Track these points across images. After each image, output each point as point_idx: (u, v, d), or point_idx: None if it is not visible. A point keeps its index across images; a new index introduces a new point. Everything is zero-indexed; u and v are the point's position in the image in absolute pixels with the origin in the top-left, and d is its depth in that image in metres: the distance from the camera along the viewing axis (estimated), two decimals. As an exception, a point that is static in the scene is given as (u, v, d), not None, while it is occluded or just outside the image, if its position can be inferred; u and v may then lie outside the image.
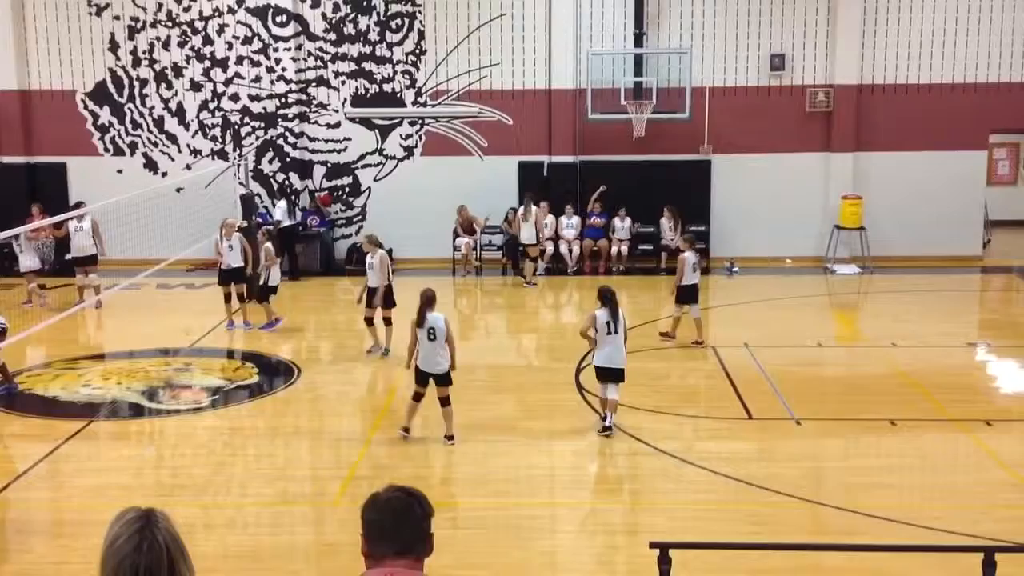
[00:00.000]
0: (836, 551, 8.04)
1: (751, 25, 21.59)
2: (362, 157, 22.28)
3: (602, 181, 21.43)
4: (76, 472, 10.61)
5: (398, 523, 3.43)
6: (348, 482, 9.99)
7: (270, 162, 22.06)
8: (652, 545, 6.50)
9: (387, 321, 14.66)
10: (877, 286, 20.35)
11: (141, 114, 22.17)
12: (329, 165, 22.30)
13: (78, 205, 18.26)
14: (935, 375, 13.71)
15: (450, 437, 11.01)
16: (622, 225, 21.25)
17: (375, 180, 22.33)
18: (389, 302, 14.61)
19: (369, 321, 14.76)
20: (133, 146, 22.27)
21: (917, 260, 21.47)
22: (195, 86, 22.02)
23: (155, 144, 22.25)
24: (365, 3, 21.73)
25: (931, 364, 14.31)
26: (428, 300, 11.02)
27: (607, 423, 11.26)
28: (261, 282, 16.41)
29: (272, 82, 21.85)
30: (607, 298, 11.37)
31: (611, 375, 11.34)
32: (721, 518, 9.28)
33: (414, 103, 22.05)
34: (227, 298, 17.01)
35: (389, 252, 14.19)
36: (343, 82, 22.01)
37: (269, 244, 16.64)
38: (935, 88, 21.59)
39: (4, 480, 10.23)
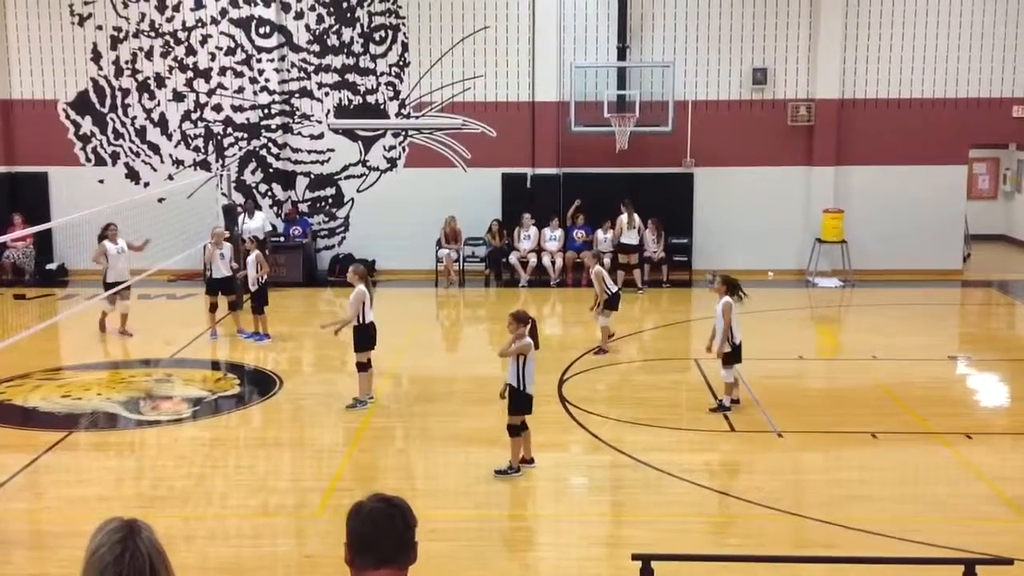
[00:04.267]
0: (817, 563, 8.05)
1: (733, 39, 21.72)
2: (345, 168, 22.27)
3: (585, 194, 21.51)
4: (56, 483, 10.54)
5: (382, 533, 3.42)
6: (330, 494, 9.95)
7: (253, 173, 22.03)
8: (635, 557, 6.50)
9: (358, 366, 12.79)
10: (858, 299, 20.45)
11: (123, 124, 22.10)
12: (312, 176, 22.28)
13: (108, 227, 16.74)
14: (916, 388, 13.77)
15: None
16: (605, 237, 21.31)
17: (358, 191, 22.33)
18: (360, 343, 12.71)
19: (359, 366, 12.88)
20: (115, 156, 22.20)
21: (898, 274, 21.61)
22: (178, 96, 21.98)
23: (137, 154, 22.18)
24: (349, 15, 21.76)
25: (912, 377, 14.37)
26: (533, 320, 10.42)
27: (733, 400, 12.59)
28: (256, 289, 16.29)
29: (255, 93, 21.84)
30: (736, 287, 12.50)
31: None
32: (703, 530, 9.30)
33: (397, 115, 22.07)
34: (212, 307, 16.92)
35: (372, 268, 13.17)
36: (326, 93, 22.02)
37: (259, 252, 16.58)
38: (916, 103, 21.76)
39: (-18, 491, 10.15)
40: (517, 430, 10.47)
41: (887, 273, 21.64)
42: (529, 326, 10.24)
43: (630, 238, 20.74)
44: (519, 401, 10.43)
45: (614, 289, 15.64)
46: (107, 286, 16.56)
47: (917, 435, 11.90)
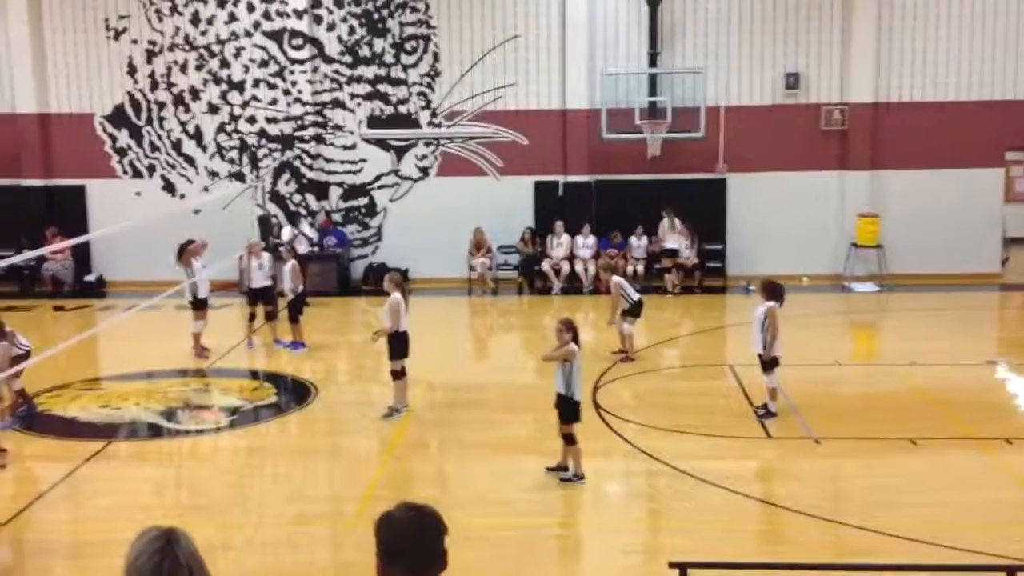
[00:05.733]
0: (857, 571, 7.97)
1: (765, 44, 21.63)
2: (378, 178, 22.38)
3: (617, 200, 21.50)
4: (95, 493, 10.64)
5: (414, 543, 3.41)
6: (366, 502, 9.99)
7: (287, 184, 22.18)
8: (671, 565, 6.47)
9: (393, 375, 12.84)
10: (895, 304, 20.27)
11: (159, 136, 22.33)
12: (345, 186, 22.41)
13: (189, 242, 16.20)
14: (954, 393, 13.62)
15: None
16: (639, 243, 21.29)
17: (391, 201, 22.42)
18: (395, 351, 12.76)
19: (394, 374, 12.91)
20: (151, 168, 22.44)
21: (935, 278, 21.39)
22: (212, 109, 22.18)
23: (173, 166, 22.40)
24: (380, 26, 21.88)
25: (950, 382, 14.22)
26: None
27: (773, 409, 12.45)
28: (293, 299, 16.45)
29: (288, 104, 21.99)
30: (779, 292, 12.33)
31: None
32: (740, 538, 9.23)
33: (429, 124, 22.14)
34: (251, 317, 17.03)
35: (405, 275, 13.32)
36: (359, 104, 22.14)
37: (295, 261, 16.73)
38: (951, 105, 21.55)
39: (24, 501, 10.27)
40: (573, 438, 10.44)
41: (924, 277, 21.43)
42: (572, 333, 10.25)
43: (674, 242, 20.81)
44: (570, 409, 10.40)
45: (636, 297, 15.52)
46: (198, 303, 16.14)
47: (956, 441, 11.77)
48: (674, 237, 20.96)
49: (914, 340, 16.80)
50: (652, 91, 21.43)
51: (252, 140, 22.21)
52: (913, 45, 21.53)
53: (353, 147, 22.30)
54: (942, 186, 21.58)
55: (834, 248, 21.91)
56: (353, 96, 22.16)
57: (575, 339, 10.26)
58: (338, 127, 22.24)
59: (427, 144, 22.26)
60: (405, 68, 22.04)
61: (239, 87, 22.11)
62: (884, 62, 21.56)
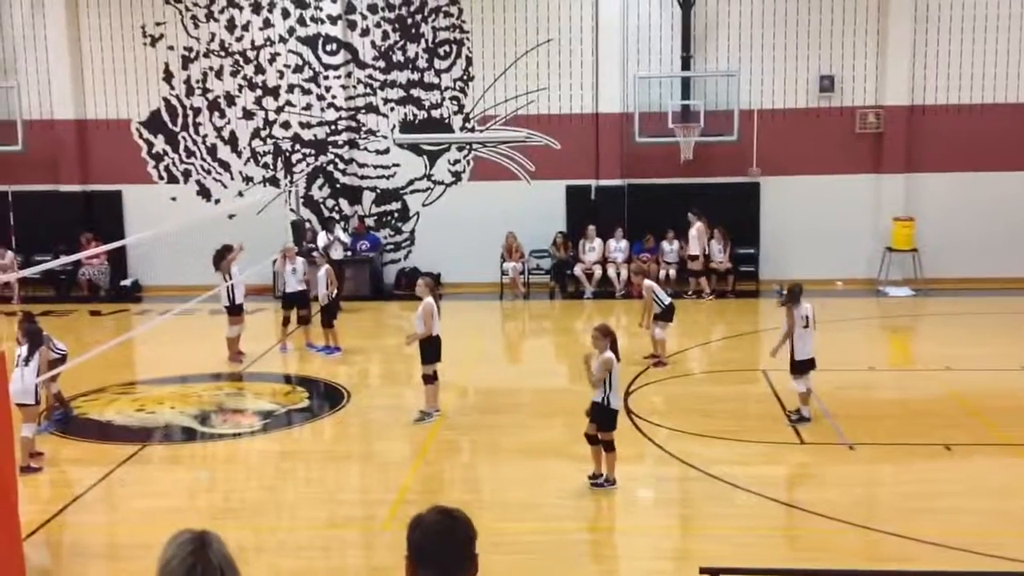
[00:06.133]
0: (890, 578, 7.92)
1: (799, 47, 21.49)
2: (411, 182, 22.46)
3: (650, 204, 21.45)
4: (130, 496, 10.75)
5: (443, 546, 3.43)
6: (397, 506, 10.04)
7: (320, 188, 22.31)
8: (703, 571, 6.45)
9: (425, 379, 12.91)
10: (931, 309, 20.07)
11: (194, 142, 22.53)
12: (378, 191, 22.50)
13: (228, 248, 16.35)
14: (990, 399, 13.47)
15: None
16: (670, 248, 21.23)
17: (424, 205, 22.49)
18: (428, 356, 12.83)
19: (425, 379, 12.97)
20: (187, 174, 22.64)
21: (971, 282, 21.16)
22: (247, 114, 22.35)
23: (208, 172, 22.59)
24: (414, 31, 21.97)
25: (986, 388, 14.08)
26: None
27: (806, 414, 12.31)
28: (326, 303, 16.59)
29: (322, 109, 22.12)
30: (792, 293, 12.28)
31: (810, 365, 12.31)
32: (772, 543, 9.19)
33: (462, 129, 22.20)
34: (285, 321, 17.15)
35: (438, 281, 13.34)
36: (392, 109, 22.23)
37: (328, 266, 16.85)
38: (987, 108, 21.32)
39: (60, 504, 10.40)
40: (612, 445, 10.41)
41: (960, 282, 21.19)
42: (609, 340, 10.21)
43: (710, 246, 20.96)
44: (607, 417, 10.37)
45: (667, 302, 15.48)
46: (235, 308, 16.25)
47: (992, 447, 11.64)
48: (705, 241, 20.92)
49: (949, 345, 16.64)
50: (685, 94, 21.37)
51: (286, 145, 22.35)
52: (949, 47, 21.32)
53: (386, 152, 22.40)
54: (978, 189, 21.34)
55: (869, 252, 21.72)
56: (386, 101, 22.25)
57: (613, 345, 10.22)
58: (371, 132, 22.34)
59: (460, 149, 22.32)
60: (438, 73, 22.11)
61: (274, 92, 22.26)
62: (919, 65, 21.36)
